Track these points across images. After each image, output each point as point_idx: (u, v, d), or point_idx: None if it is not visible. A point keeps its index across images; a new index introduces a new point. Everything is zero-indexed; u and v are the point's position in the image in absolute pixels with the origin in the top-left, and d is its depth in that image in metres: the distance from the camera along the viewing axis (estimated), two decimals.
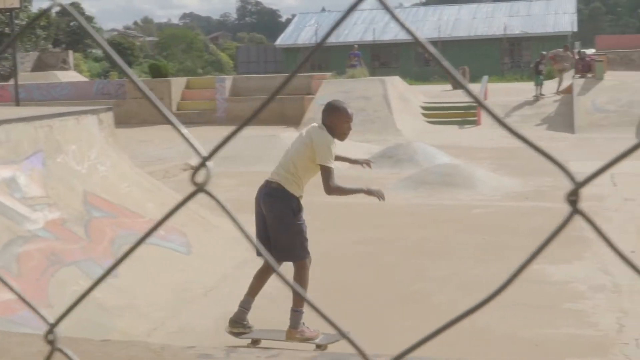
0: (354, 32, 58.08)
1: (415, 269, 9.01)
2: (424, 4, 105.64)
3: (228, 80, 31.66)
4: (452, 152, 17.89)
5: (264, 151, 18.24)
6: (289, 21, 73.41)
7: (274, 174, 6.57)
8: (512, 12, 57.49)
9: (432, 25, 56.80)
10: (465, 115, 27.05)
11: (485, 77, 31.34)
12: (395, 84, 29.10)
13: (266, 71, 51.92)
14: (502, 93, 30.11)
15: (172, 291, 8.15)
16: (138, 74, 45.91)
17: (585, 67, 28.79)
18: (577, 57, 30.95)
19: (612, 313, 7.40)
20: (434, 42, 53.74)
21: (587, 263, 9.20)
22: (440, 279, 8.66)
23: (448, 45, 54.17)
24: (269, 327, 6.91)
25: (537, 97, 28.00)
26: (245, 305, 6.67)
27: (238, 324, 6.60)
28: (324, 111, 6.72)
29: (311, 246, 10.45)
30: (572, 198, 0.94)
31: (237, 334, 6.64)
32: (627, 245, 9.88)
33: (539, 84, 28.25)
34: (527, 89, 28.84)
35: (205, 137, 21.73)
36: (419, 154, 16.58)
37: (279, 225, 6.46)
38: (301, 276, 6.44)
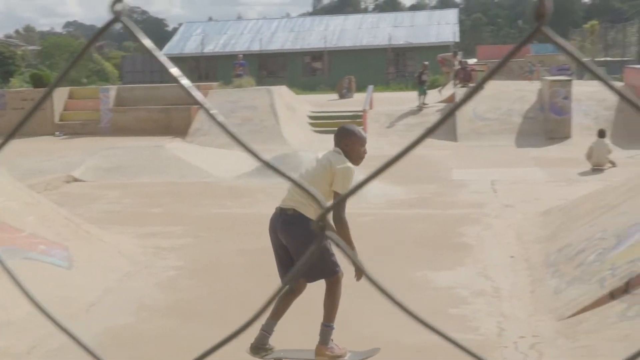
0: (240, 41, 57.96)
1: None
2: (310, 14, 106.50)
3: (112, 90, 31.05)
4: None
5: (149, 162, 17.98)
6: (175, 30, 72.56)
7: (287, 200, 6.36)
8: (397, 22, 58.47)
9: (318, 35, 57.20)
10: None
11: (371, 87, 31.73)
12: (282, 93, 29.16)
13: (152, 81, 51.09)
14: (388, 102, 30.55)
15: (53, 307, 7.87)
16: (20, 83, 44.59)
17: (466, 77, 29.51)
18: (459, 66, 31.67)
19: (492, 317, 7.56)
20: (320, 52, 54.24)
21: (468, 269, 9.39)
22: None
23: (334, 55, 54.72)
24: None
25: (421, 107, 28.50)
26: (268, 329, 6.40)
27: (260, 349, 6.35)
28: (338, 135, 6.57)
29: (197, 257, 10.32)
30: (321, 224, 0.94)
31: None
32: (507, 251, 10.16)
33: (422, 93, 28.75)
34: (411, 98, 29.33)
35: (89, 148, 21.35)
36: (305, 164, 16.45)
37: (305, 250, 6.30)
38: (334, 291, 6.35)
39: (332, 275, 6.30)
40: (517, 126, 24.63)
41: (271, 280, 9.04)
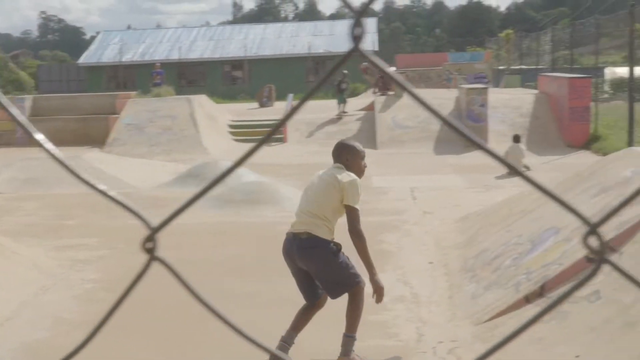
0: (159, 50, 57.44)
1: (220, 288, 8.93)
2: (230, 23, 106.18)
3: (28, 100, 30.40)
4: (258, 170, 17.93)
5: (66, 173, 17.62)
6: (93, 39, 71.48)
7: (299, 224, 6.28)
8: (316, 31, 58.75)
9: (238, 44, 57.06)
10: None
11: (291, 95, 31.80)
12: (202, 102, 28.99)
13: (69, 90, 50.30)
14: (308, 110, 30.52)
15: None
16: None
17: (385, 85, 29.76)
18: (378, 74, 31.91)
19: (412, 323, 7.63)
20: (240, 61, 54.11)
21: (388, 275, 9.43)
22: (245, 296, 8.64)
23: (254, 64, 54.68)
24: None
25: (340, 115, 28.64)
26: (288, 340, 6.39)
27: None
28: (338, 150, 6.57)
29: (113, 269, 10.15)
30: (149, 245, 0.93)
31: None
32: (426, 257, 10.27)
33: (341, 102, 28.91)
34: (331, 106, 29.45)
35: (4, 159, 20.83)
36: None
37: (325, 269, 6.28)
38: (356, 302, 6.34)
39: (354, 286, 6.31)
40: (435, 134, 24.95)
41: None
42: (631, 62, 21.32)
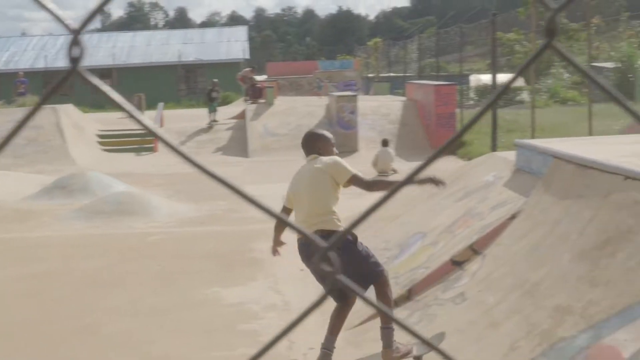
0: (24, 58, 55.68)
1: (87, 300, 8.73)
2: (99, 31, 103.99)
3: None
4: (128, 180, 17.65)
5: None
6: None
7: (310, 226, 6.10)
8: (187, 39, 58.19)
9: (106, 52, 55.88)
10: (141, 143, 26.84)
11: (161, 104, 31.40)
12: (68, 112, 28.25)
13: None
14: (179, 119, 30.32)
15: None
16: None
17: (256, 93, 29.76)
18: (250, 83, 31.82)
19: None
20: (109, 69, 53.04)
21: (259, 284, 9.45)
22: (114, 309, 8.46)
23: (123, 73, 53.65)
24: None
25: (211, 124, 28.47)
26: (329, 346, 6.19)
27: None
28: (309, 141, 6.57)
29: None
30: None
31: None
32: (297, 264, 10.27)
33: (212, 111, 28.75)
34: (203, 115, 29.25)
35: None
36: (93, 183, 16.14)
37: (349, 261, 5.99)
38: (385, 292, 6.23)
39: (379, 277, 6.21)
40: None
41: (57, 304, 8.71)
42: (494, 70, 22.06)
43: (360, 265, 6.10)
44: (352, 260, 5.97)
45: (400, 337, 6.21)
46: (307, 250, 6.21)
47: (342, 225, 6.20)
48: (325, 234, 6.01)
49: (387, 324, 6.19)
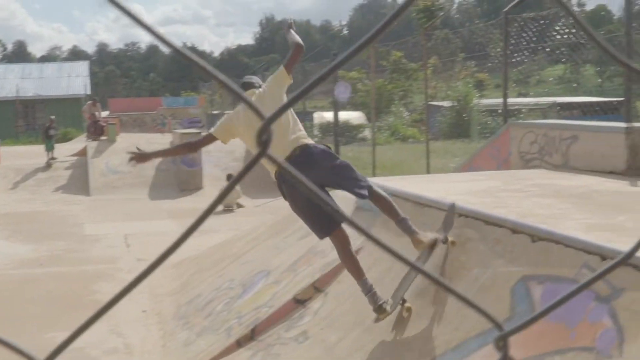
0: None
1: None
2: None
3: None
4: None
5: None
6: None
7: (292, 143, 6.36)
8: (25, 74, 56.39)
9: None
10: None
11: None
12: None
13: None
14: (17, 157, 29.23)
15: None
16: None
17: (98, 130, 29.14)
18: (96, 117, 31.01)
19: None
20: None
21: (100, 327, 9.16)
22: None
23: None
24: None
25: (50, 162, 27.58)
26: (368, 288, 6.13)
27: (381, 307, 6.03)
28: (245, 86, 6.74)
29: None
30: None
31: (388, 313, 6.06)
32: (139, 306, 10.10)
33: (50, 149, 27.85)
34: (42, 152, 28.34)
35: None
36: None
37: (341, 164, 6.41)
38: (379, 193, 6.34)
39: (364, 185, 6.32)
40: (150, 179, 24.77)
41: None
42: (336, 108, 22.52)
43: (351, 169, 6.44)
44: (343, 162, 6.49)
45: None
46: (302, 162, 6.25)
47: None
48: (306, 145, 6.45)
49: (398, 217, 6.28)
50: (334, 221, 6.17)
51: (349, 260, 6.35)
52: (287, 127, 6.40)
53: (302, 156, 6.32)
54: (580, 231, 5.32)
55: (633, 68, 0.98)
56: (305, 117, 30.41)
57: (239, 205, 19.60)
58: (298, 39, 6.66)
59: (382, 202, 6.39)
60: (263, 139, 0.90)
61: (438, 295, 5.92)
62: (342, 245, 6.35)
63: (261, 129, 0.90)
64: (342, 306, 6.98)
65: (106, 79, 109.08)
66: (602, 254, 4.68)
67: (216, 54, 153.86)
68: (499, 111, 18.69)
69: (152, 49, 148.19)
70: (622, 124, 9.83)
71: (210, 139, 6.63)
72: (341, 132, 24.11)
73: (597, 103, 22.24)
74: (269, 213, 17.99)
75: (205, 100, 47.42)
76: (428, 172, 17.34)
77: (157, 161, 25.78)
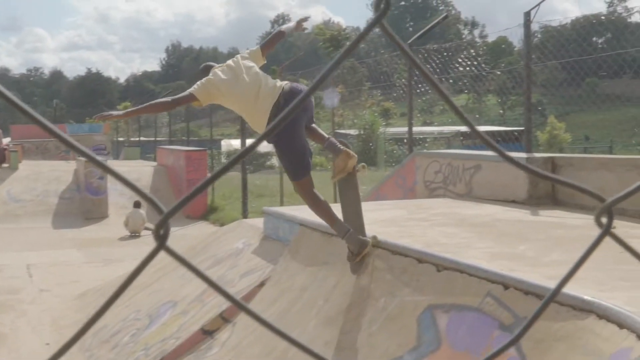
0: None
1: None
2: None
3: None
4: None
5: None
6: None
7: (279, 87, 6.43)
8: None
9: None
10: None
11: None
12: None
13: None
14: None
15: None
16: None
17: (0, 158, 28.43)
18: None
19: None
20: None
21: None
22: None
23: None
24: None
25: None
26: (341, 230, 6.33)
27: (363, 243, 6.31)
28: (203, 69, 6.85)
29: None
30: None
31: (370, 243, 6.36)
32: (42, 338, 9.87)
33: None
34: None
35: None
36: None
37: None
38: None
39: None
40: (53, 207, 24.27)
41: None
42: (243, 135, 22.47)
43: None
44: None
45: None
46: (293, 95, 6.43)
47: None
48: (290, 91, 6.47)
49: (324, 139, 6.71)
50: (308, 169, 6.49)
51: (318, 206, 6.48)
52: (259, 87, 6.51)
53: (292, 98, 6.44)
54: (483, 260, 5.46)
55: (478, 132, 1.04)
56: (212, 145, 30.32)
57: (147, 229, 19.72)
58: (285, 26, 7.06)
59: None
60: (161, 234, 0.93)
61: (347, 325, 5.97)
62: (310, 191, 6.51)
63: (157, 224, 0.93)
64: (250, 336, 6.96)
65: (7, 105, 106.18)
66: (505, 283, 4.81)
67: (122, 80, 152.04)
68: (405, 140, 19.02)
69: (56, 75, 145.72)
70: (523, 154, 10.14)
71: (189, 98, 6.60)
72: (249, 160, 24.10)
73: (499, 132, 22.83)
74: (176, 242, 17.82)
75: (111, 127, 46.78)
76: (335, 201, 17.46)
77: (60, 189, 25.31)
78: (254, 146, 0.97)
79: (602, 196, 1.01)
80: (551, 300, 1.07)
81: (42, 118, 0.84)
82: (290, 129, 6.28)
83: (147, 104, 6.79)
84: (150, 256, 0.92)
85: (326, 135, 6.63)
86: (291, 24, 7.02)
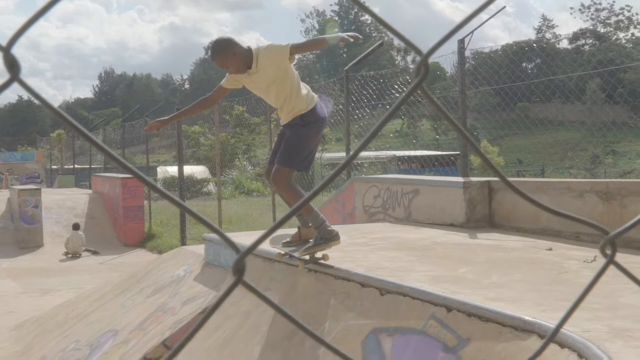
0: None
1: None
2: None
3: None
4: None
5: None
6: None
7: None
8: None
9: None
10: None
11: None
12: None
13: None
14: None
15: None
16: None
17: None
18: None
19: None
20: None
21: None
22: None
23: None
24: None
25: None
26: (319, 221, 6.51)
27: (335, 236, 6.54)
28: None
29: None
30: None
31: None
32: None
33: None
34: None
35: None
36: None
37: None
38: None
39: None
40: None
41: None
42: (180, 161, 22.39)
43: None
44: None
45: None
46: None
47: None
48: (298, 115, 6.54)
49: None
50: (302, 167, 6.59)
51: (295, 197, 6.50)
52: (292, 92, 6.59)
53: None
54: (425, 283, 5.55)
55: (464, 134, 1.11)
56: (148, 172, 30.08)
57: (91, 251, 21.31)
58: (328, 36, 6.44)
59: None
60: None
61: (291, 350, 6.00)
62: (290, 180, 6.58)
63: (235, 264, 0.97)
64: (194, 358, 6.94)
65: None
66: (448, 305, 4.91)
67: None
68: None
69: None
70: (460, 179, 10.31)
71: (222, 91, 6.88)
72: (186, 186, 24.00)
73: (436, 157, 23.14)
74: (113, 271, 17.64)
75: (44, 154, 46.14)
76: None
77: None
78: (359, 150, 1.03)
79: (606, 229, 1.10)
80: (555, 334, 1.15)
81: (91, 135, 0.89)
82: (321, 128, 6.67)
83: (194, 103, 7.08)
84: (229, 290, 0.98)
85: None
86: (336, 35, 6.35)
